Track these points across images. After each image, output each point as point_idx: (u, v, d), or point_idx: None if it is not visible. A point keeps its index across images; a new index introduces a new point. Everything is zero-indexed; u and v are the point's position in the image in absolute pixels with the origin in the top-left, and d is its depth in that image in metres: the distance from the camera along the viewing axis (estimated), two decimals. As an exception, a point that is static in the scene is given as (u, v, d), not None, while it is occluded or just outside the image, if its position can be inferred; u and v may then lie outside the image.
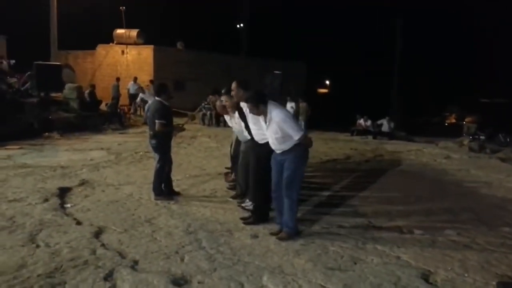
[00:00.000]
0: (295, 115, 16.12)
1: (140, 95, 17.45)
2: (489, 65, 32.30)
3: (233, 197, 5.69)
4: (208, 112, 16.63)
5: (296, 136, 4.10)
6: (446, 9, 29.86)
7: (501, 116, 19.70)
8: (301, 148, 4.20)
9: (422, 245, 4.22)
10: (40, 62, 15.06)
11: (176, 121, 6.00)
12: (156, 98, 5.65)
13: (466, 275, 3.57)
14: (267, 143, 4.36)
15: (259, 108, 4.21)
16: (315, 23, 35.68)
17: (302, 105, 16.70)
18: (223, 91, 5.45)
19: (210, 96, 6.67)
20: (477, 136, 15.73)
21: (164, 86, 5.75)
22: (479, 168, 8.62)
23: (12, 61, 16.64)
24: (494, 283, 3.40)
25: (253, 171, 4.75)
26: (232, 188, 6.16)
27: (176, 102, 5.61)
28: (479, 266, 3.75)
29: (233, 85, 4.98)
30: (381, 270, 3.60)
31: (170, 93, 5.72)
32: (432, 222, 4.99)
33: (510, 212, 5.50)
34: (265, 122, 4.27)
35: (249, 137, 4.97)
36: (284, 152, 4.21)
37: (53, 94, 14.63)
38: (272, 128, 4.17)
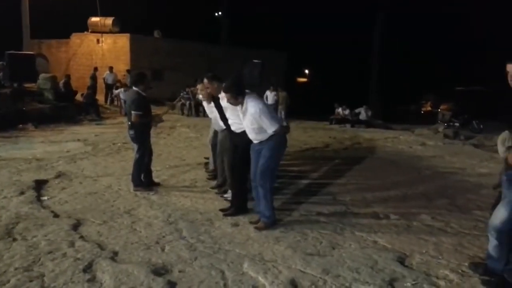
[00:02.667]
0: (276, 104, 16.28)
1: (121, 95, 16.70)
2: (466, 53, 32.96)
3: (213, 187, 5.69)
4: (188, 102, 16.51)
5: (270, 129, 4.08)
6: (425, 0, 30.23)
7: (475, 103, 20.15)
8: (279, 137, 4.18)
9: (398, 230, 4.34)
10: (13, 52, 14.61)
11: (155, 111, 5.94)
12: (133, 87, 5.52)
13: (440, 257, 3.69)
14: (244, 132, 4.35)
15: (237, 99, 4.18)
16: (294, 12, 35.59)
17: (282, 94, 16.82)
18: (193, 83, 5.43)
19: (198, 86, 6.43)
20: (451, 123, 16.12)
21: (142, 76, 5.60)
22: (453, 154, 8.86)
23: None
24: (466, 264, 3.53)
25: (230, 160, 4.75)
26: (211, 178, 6.16)
27: (154, 92, 5.53)
28: (453, 249, 3.88)
29: (205, 81, 4.95)
30: (359, 255, 3.69)
31: (148, 83, 5.60)
32: (408, 208, 5.12)
33: (482, 196, 5.68)
34: (241, 112, 4.25)
35: (224, 127, 4.97)
36: (261, 142, 4.20)
37: (27, 85, 14.26)
38: (247, 119, 4.16)
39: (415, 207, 5.13)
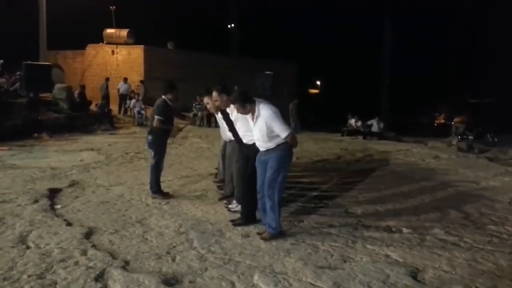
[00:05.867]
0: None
1: (136, 106, 16.77)
2: (479, 65, 32.72)
3: (220, 199, 5.68)
4: (199, 113, 16.62)
5: (283, 134, 4.10)
6: (435, 10, 30.18)
7: (489, 116, 19.94)
8: (286, 148, 4.19)
9: (411, 244, 4.28)
10: (29, 62, 14.92)
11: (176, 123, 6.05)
12: (162, 96, 5.69)
13: (453, 272, 3.63)
14: (254, 143, 4.37)
15: (246, 107, 4.23)
16: (305, 23, 35.81)
17: (291, 104, 17.38)
18: (203, 92, 5.48)
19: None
20: (465, 136, 15.93)
21: (171, 87, 5.74)
22: (467, 168, 8.73)
23: (0, 61, 16.47)
24: (480, 279, 3.46)
25: (239, 171, 4.75)
26: (221, 188, 6.17)
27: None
28: (466, 264, 3.82)
29: (214, 94, 5.00)
30: (370, 268, 3.65)
31: (176, 94, 5.72)
32: (421, 221, 5.05)
33: (497, 210, 5.59)
34: (252, 120, 4.28)
35: (231, 138, 5.00)
36: (268, 151, 4.21)
37: (43, 95, 14.51)
38: (259, 124, 4.18)
39: (428, 221, 5.06)
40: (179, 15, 30.14)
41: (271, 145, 4.19)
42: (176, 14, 30.02)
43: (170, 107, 5.66)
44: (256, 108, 4.20)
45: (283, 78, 27.32)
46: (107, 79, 18.63)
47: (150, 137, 5.67)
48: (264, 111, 4.15)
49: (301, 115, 17.80)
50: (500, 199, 6.18)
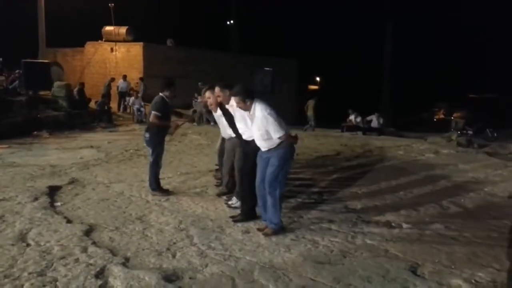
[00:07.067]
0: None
1: (135, 103, 16.73)
2: (478, 61, 32.69)
3: (218, 195, 5.70)
4: (199, 109, 16.60)
5: (276, 135, 4.10)
6: (435, 8, 30.16)
7: (489, 111, 19.93)
8: (287, 146, 4.20)
9: (410, 239, 4.29)
10: (29, 60, 14.92)
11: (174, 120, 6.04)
12: (160, 93, 5.69)
13: (453, 267, 3.64)
14: (253, 140, 4.37)
15: (246, 103, 4.22)
16: (305, 20, 35.76)
17: (311, 102, 17.67)
18: (205, 88, 5.47)
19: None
20: (465, 131, 15.94)
21: (169, 83, 5.75)
22: (467, 163, 8.74)
23: (-1, 59, 16.50)
24: (479, 274, 3.47)
25: (239, 168, 4.76)
26: (219, 185, 6.17)
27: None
28: (466, 258, 3.83)
29: (217, 89, 5.00)
30: (370, 263, 3.66)
31: (174, 91, 5.73)
32: (420, 216, 5.07)
33: (496, 205, 5.60)
34: (250, 118, 4.29)
35: (233, 135, 5.00)
36: (270, 150, 4.22)
37: (42, 92, 14.51)
38: (256, 124, 4.20)
39: (427, 216, 5.07)
40: (178, 12, 30.08)
41: (272, 144, 4.19)
42: (175, 11, 29.95)
43: (168, 104, 5.66)
44: (252, 108, 4.21)
45: (283, 75, 27.30)
46: (113, 79, 18.54)
47: (147, 135, 5.66)
48: (259, 112, 4.15)
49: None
50: (499, 193, 6.19)
